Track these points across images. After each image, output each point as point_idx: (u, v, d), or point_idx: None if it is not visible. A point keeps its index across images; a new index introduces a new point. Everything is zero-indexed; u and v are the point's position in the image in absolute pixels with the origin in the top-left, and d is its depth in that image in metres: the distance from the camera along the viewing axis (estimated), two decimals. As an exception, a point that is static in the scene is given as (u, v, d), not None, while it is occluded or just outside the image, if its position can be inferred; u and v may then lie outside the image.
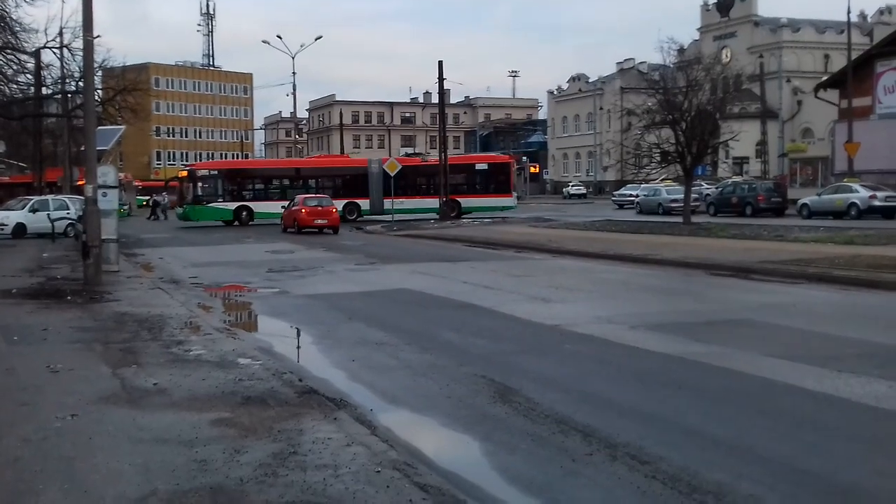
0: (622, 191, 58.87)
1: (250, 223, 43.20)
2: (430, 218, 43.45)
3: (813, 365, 8.82)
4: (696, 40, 71.46)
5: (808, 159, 56.17)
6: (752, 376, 8.49)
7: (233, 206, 43.72)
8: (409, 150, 77.99)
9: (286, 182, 46.80)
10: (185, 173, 46.45)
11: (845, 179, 38.96)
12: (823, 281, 15.64)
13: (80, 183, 34.91)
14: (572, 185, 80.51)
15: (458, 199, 45.58)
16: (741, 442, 6.44)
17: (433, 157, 54.60)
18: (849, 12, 43.27)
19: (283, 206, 39.88)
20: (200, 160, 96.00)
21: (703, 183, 49.95)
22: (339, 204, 42.69)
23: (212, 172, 45.83)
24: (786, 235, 25.37)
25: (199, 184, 44.38)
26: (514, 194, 49.95)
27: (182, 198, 45.32)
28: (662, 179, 48.69)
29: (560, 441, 6.53)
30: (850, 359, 9.11)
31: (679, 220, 34.08)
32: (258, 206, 43.91)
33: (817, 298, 14.04)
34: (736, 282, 16.51)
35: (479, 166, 50.14)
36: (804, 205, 38.53)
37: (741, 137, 39.03)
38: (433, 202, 45.27)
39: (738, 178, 49.85)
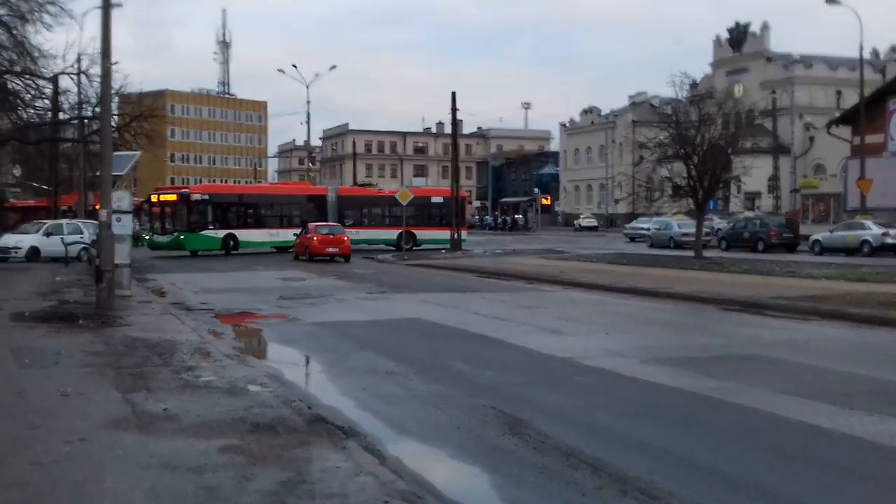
0: (633, 224, 58.83)
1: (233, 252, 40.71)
2: (390, 250, 42.89)
3: (825, 402, 8.76)
4: (709, 75, 71.72)
5: (820, 195, 56.06)
6: (763, 413, 8.44)
7: (221, 233, 40.58)
8: (366, 180, 77.14)
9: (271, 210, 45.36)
10: (171, 196, 42.10)
11: (858, 216, 38.86)
12: (836, 318, 15.56)
13: (94, 206, 35.14)
14: (583, 218, 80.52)
15: (413, 230, 43.99)
16: (752, 479, 6.39)
17: (386, 188, 55.23)
18: (861, 49, 43.37)
19: (269, 234, 41.83)
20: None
21: (714, 217, 49.89)
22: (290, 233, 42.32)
23: (204, 197, 41.90)
24: (798, 271, 25.27)
25: (195, 209, 40.53)
26: (467, 228, 50.32)
27: (163, 224, 40.96)
28: (674, 213, 48.67)
29: (569, 474, 6.50)
30: (863, 397, 9.05)
31: (690, 254, 33.99)
32: (243, 234, 41.47)
33: (830, 335, 13.97)
34: (747, 317, 16.44)
35: (434, 199, 49.70)
36: (816, 241, 38.41)
37: (753, 172, 39.01)
38: (390, 233, 44.30)
39: (749, 214, 49.81)
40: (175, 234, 39.87)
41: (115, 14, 18.20)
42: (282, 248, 41.07)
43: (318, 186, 55.69)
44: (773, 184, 63.15)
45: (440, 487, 6.36)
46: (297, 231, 39.73)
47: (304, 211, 44.28)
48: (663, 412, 8.58)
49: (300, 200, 46.47)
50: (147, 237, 41.40)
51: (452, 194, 46.62)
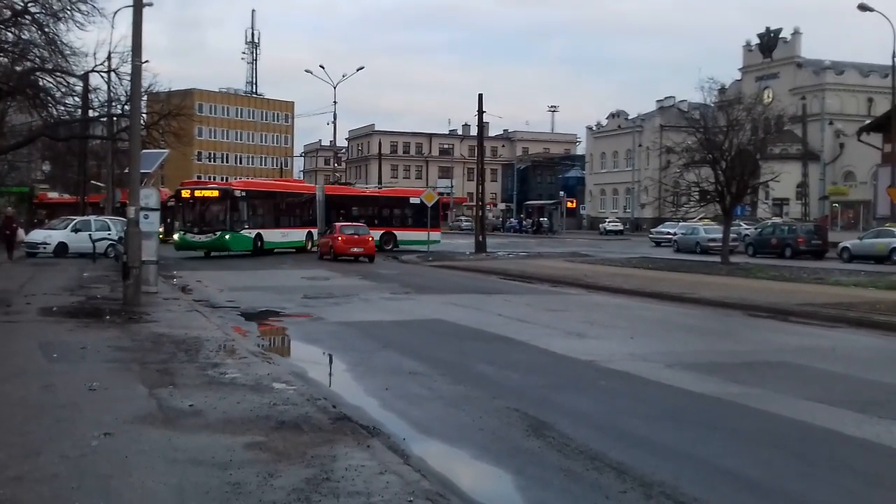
0: (659, 228, 58.54)
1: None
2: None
3: (852, 410, 8.68)
4: (738, 80, 71.12)
5: (849, 202, 55.58)
6: (789, 419, 8.37)
7: (253, 233, 38.36)
8: (339, 178, 75.63)
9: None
10: (211, 192, 39.11)
11: (887, 224, 38.48)
12: (864, 326, 15.41)
13: (122, 200, 35.32)
14: (609, 222, 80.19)
15: (394, 231, 44.48)
16: (778, 486, 6.34)
17: (360, 186, 54.50)
18: (893, 56, 42.90)
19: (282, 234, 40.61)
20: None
21: (741, 223, 49.55)
22: (302, 233, 41.87)
23: (243, 194, 39.04)
24: (826, 278, 25.07)
25: (238, 206, 37.97)
26: (441, 230, 49.30)
27: (199, 222, 37.89)
28: (701, 218, 48.38)
29: (594, 477, 6.48)
30: (892, 405, 8.96)
31: (717, 259, 33.80)
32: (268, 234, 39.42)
33: (857, 343, 13.84)
34: (774, 323, 16.32)
35: (412, 200, 48.20)
36: (845, 248, 38.07)
37: (782, 178, 38.73)
38: (373, 234, 41.78)
39: (777, 220, 49.43)
40: (219, 233, 36.80)
41: (146, 13, 18.39)
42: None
43: (308, 184, 52.87)
44: (802, 190, 62.49)
45: (464, 488, 6.36)
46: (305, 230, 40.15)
47: (296, 209, 43.07)
48: (688, 417, 8.53)
49: (297, 198, 44.57)
50: (178, 236, 37.81)
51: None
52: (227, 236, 36.95)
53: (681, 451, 7.24)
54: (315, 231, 42.50)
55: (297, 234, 41.88)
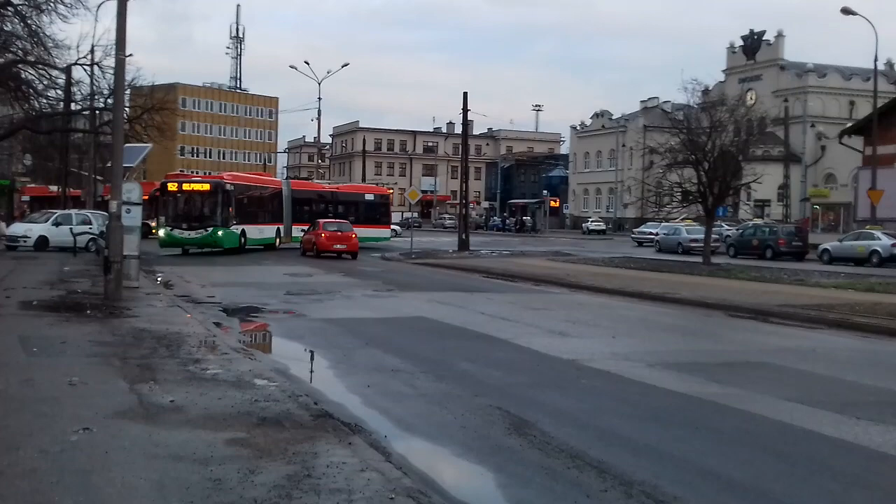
0: (642, 228, 58.79)
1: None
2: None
3: (831, 411, 8.75)
4: (721, 82, 71.50)
5: (830, 205, 55.98)
6: (769, 419, 8.43)
7: (238, 229, 36.60)
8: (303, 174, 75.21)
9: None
10: (202, 186, 36.92)
11: (867, 226, 38.76)
12: (843, 327, 15.53)
13: (104, 194, 35.01)
14: (592, 221, 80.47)
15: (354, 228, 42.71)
16: (758, 485, 6.38)
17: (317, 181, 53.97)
18: (876, 60, 43.26)
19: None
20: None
21: (723, 224, 49.80)
22: (273, 230, 40.45)
23: (232, 187, 36.67)
24: (806, 280, 25.22)
25: (230, 201, 35.91)
26: (390, 227, 49.17)
27: (188, 217, 35.82)
28: (683, 219, 48.57)
29: (575, 476, 6.50)
30: (870, 406, 9.03)
31: (698, 260, 33.97)
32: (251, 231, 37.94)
33: (837, 344, 13.94)
34: (755, 324, 16.42)
35: (367, 197, 48.34)
36: (825, 250, 38.34)
37: (763, 180, 38.89)
38: None
39: (759, 221, 49.73)
40: (211, 229, 34.92)
41: (131, 6, 18.32)
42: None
43: (274, 179, 50.26)
44: (784, 192, 63.01)
45: (445, 486, 6.37)
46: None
47: (268, 205, 41.23)
48: (669, 416, 8.57)
49: (272, 193, 42.47)
50: (165, 232, 35.50)
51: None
52: (219, 232, 35.08)
53: (661, 451, 7.27)
54: (282, 227, 41.34)
55: (270, 231, 40.38)
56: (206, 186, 36.35)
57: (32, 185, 55.24)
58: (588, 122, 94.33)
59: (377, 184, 65.60)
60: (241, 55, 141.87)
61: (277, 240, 40.90)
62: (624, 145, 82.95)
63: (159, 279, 23.10)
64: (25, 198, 55.90)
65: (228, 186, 36.11)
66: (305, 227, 40.54)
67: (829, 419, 8.42)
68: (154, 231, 37.13)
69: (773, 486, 6.37)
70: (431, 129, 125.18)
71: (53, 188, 50.60)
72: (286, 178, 50.05)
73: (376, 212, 47.07)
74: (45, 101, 36.21)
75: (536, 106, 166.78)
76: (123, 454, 6.25)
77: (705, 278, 26.00)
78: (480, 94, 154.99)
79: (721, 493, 6.26)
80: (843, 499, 6.23)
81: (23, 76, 33.54)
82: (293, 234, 42.22)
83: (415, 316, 16.58)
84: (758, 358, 12.14)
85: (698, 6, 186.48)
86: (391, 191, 56.17)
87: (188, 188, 36.65)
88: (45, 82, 34.62)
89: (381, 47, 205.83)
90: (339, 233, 36.21)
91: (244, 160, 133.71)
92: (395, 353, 11.92)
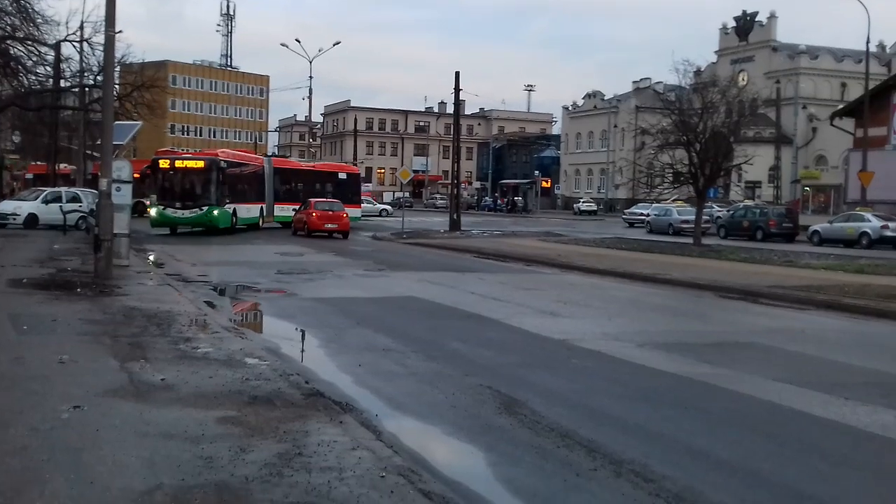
0: (633, 209, 58.86)
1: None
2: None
3: (820, 391, 8.81)
4: (713, 63, 71.40)
5: (820, 186, 56.13)
6: (758, 399, 8.48)
7: (231, 208, 35.76)
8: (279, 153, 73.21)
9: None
10: (195, 163, 35.46)
11: (857, 208, 38.92)
12: (832, 308, 15.60)
13: (93, 172, 34.67)
14: (583, 202, 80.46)
15: None
16: (746, 465, 6.43)
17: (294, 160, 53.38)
18: (868, 42, 43.35)
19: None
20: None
21: (714, 205, 49.91)
22: (257, 208, 39.64)
23: (225, 164, 35.52)
24: (796, 261, 25.32)
25: (224, 179, 35.01)
26: (360, 206, 48.65)
27: (182, 195, 34.56)
28: (674, 200, 48.67)
29: (564, 455, 6.53)
30: (858, 387, 9.09)
31: (689, 241, 34.07)
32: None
33: (826, 325, 14.01)
34: (745, 305, 16.49)
35: (340, 175, 47.93)
36: (815, 232, 38.48)
37: (755, 161, 38.99)
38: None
39: (749, 202, 49.81)
40: (206, 208, 33.98)
41: (120, -18, 18.11)
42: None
43: (256, 156, 48.12)
44: (774, 173, 63.04)
45: (436, 464, 6.39)
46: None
47: (254, 183, 40.21)
48: (659, 396, 8.61)
49: (256, 171, 41.18)
50: (157, 211, 34.52)
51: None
52: (215, 212, 34.06)
53: (651, 430, 7.31)
54: (264, 206, 40.71)
55: (255, 210, 39.64)
56: (200, 164, 35.10)
57: (39, 163, 54.35)
58: (580, 102, 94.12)
59: (352, 163, 64.95)
60: (231, 33, 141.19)
61: (261, 219, 40.23)
62: (616, 126, 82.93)
63: (151, 257, 23.05)
64: (29, 175, 55.54)
65: (223, 164, 35.10)
66: (285, 206, 40.49)
67: (818, 399, 8.47)
68: (149, 209, 36.81)
69: (762, 466, 6.41)
70: (423, 109, 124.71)
71: (62, 166, 49.86)
72: (267, 156, 48.78)
73: (349, 190, 46.76)
74: (34, 77, 35.99)
75: (528, 86, 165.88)
76: (114, 432, 6.25)
77: (696, 259, 26.07)
78: (472, 74, 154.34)
79: (710, 472, 6.30)
80: (831, 478, 6.28)
81: (11, 52, 33.29)
82: (275, 214, 41.70)
83: (406, 296, 16.59)
84: (747, 339, 12.19)
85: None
86: (417, 172, 55.76)
87: (181, 165, 35.35)
88: (34, 59, 34.40)
89: (374, 26, 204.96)
90: (331, 212, 36.15)
91: (235, 139, 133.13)
92: (387, 333, 11.93)
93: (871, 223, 36.03)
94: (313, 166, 51.85)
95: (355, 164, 63.82)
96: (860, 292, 17.05)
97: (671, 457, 6.58)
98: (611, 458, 6.45)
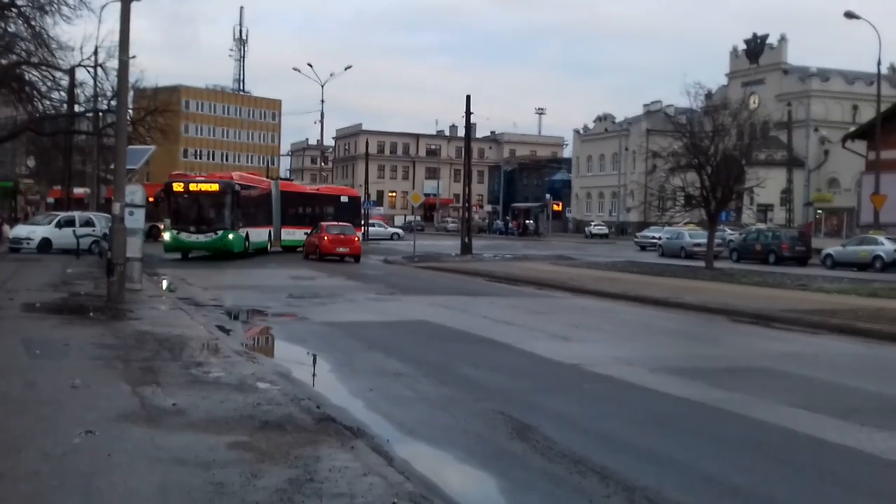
0: (645, 233, 58.76)
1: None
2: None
3: (835, 417, 8.73)
4: (724, 86, 71.52)
5: (833, 209, 55.96)
6: (772, 425, 8.40)
7: (244, 232, 35.33)
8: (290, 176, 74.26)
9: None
10: (210, 186, 34.82)
11: (871, 231, 38.74)
12: (846, 333, 15.49)
13: (107, 196, 34.80)
14: (595, 225, 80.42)
15: None
16: (761, 492, 6.36)
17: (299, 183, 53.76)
18: (879, 64, 43.25)
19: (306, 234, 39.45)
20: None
21: (726, 229, 49.79)
22: (265, 232, 39.33)
23: (239, 188, 35.30)
24: (809, 285, 25.19)
25: (240, 202, 34.80)
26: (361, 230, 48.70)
27: (197, 219, 34.11)
28: (686, 223, 48.59)
29: (577, 482, 6.48)
30: (873, 413, 9.01)
31: (701, 264, 33.95)
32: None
33: (840, 350, 13.91)
34: (758, 329, 16.40)
35: (342, 199, 48.34)
36: (828, 255, 38.32)
37: (766, 184, 38.92)
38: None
39: (762, 226, 49.69)
40: (221, 232, 33.48)
41: (135, 8, 18.30)
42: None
43: (263, 179, 48.06)
44: (787, 196, 62.90)
45: (448, 491, 6.35)
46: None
47: (262, 206, 39.79)
48: (672, 422, 8.55)
49: (265, 194, 40.93)
50: (171, 235, 33.96)
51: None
52: (230, 235, 33.59)
53: (664, 456, 7.25)
54: (272, 230, 40.49)
55: (264, 234, 39.34)
56: (215, 187, 34.51)
57: (57, 188, 54.59)
58: (591, 125, 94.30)
59: (348, 184, 65.83)
60: (244, 57, 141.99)
61: (269, 244, 39.89)
62: (627, 149, 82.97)
63: (164, 282, 23.11)
64: (50, 199, 56.11)
65: (237, 187, 34.76)
66: (291, 230, 40.71)
67: (833, 425, 8.39)
68: (162, 233, 36.90)
69: (777, 492, 6.35)
70: (434, 132, 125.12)
71: (80, 190, 49.98)
72: (275, 179, 48.89)
73: (351, 213, 47.12)
74: (48, 102, 36.30)
75: (539, 109, 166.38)
76: (126, 457, 6.24)
77: (708, 283, 25.97)
78: (483, 98, 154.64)
79: (724, 498, 6.24)
80: (846, 505, 6.21)
81: (26, 78, 33.61)
82: (282, 238, 41.54)
83: (417, 320, 16.57)
84: (760, 363, 12.11)
85: (701, 10, 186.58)
86: (428, 195, 56.38)
87: (195, 188, 34.76)
88: (49, 84, 34.70)
89: (385, 50, 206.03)
90: (342, 236, 36.21)
91: (247, 163, 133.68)
92: (398, 357, 11.91)
93: (885, 246, 35.85)
94: (317, 190, 52.24)
95: (358, 188, 64.45)
96: (874, 316, 16.93)
97: (685, 483, 6.53)
98: (624, 484, 6.40)
